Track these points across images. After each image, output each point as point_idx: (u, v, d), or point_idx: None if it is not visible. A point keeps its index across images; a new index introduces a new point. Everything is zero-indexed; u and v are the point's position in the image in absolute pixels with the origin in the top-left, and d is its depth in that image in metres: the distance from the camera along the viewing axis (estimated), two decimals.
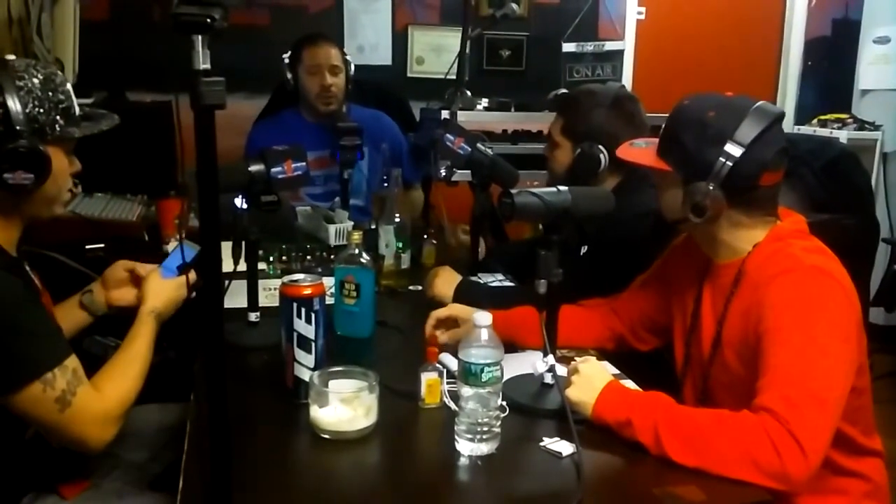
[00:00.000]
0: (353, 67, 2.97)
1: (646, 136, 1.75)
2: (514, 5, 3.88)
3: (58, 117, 1.41)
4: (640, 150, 1.59)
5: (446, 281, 2.04)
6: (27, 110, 1.35)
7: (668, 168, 1.51)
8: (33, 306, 1.37)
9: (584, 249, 2.05)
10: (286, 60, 2.96)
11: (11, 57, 1.42)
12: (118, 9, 4.14)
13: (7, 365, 1.29)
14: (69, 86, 1.45)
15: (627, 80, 4.67)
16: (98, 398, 1.38)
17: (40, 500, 1.52)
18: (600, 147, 2.01)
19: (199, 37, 0.91)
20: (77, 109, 1.47)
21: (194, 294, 1.62)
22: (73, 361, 1.35)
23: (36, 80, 1.38)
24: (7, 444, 1.44)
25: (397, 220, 2.20)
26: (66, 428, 1.34)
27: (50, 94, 1.40)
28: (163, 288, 1.66)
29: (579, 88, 2.22)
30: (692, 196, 1.45)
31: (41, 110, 1.38)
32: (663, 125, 1.54)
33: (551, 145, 2.16)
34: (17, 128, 1.34)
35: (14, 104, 1.34)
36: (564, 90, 2.27)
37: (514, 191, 1.48)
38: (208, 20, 0.91)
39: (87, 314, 1.72)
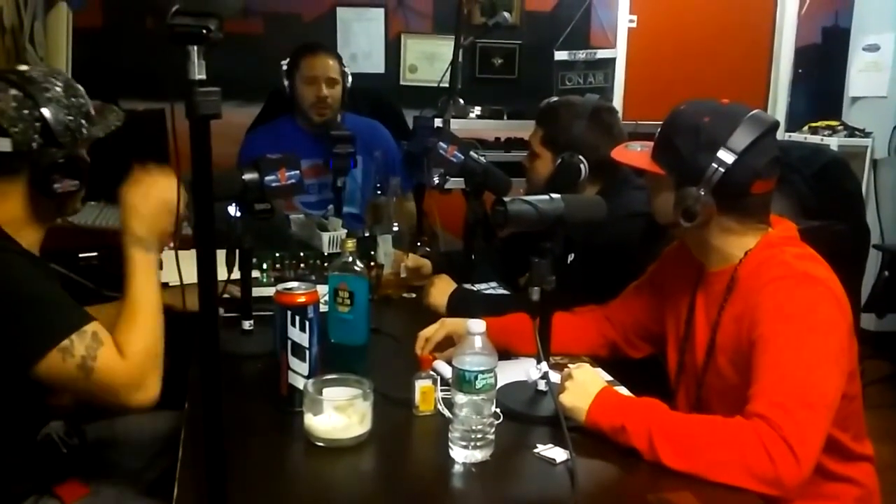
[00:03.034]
0: (350, 79, 2.98)
1: None
2: (506, 14, 3.90)
3: (82, 121, 1.47)
4: (636, 153, 1.60)
5: (441, 290, 2.05)
6: (60, 118, 1.41)
7: (662, 172, 1.52)
8: (45, 279, 1.38)
9: (570, 257, 2.07)
10: (284, 67, 2.96)
11: (24, 67, 1.47)
12: (111, 17, 4.15)
13: (23, 337, 1.29)
14: (81, 87, 1.50)
15: (619, 87, 4.68)
16: (120, 361, 1.34)
17: None
18: (580, 157, 2.04)
19: (195, 47, 0.92)
20: (92, 110, 1.51)
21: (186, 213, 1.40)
22: (93, 326, 1.33)
23: (58, 88, 1.44)
24: (12, 448, 1.44)
25: (395, 228, 2.21)
26: (100, 394, 1.34)
27: (73, 99, 1.46)
28: (143, 201, 1.43)
29: (558, 100, 2.25)
30: (683, 200, 1.46)
31: (70, 117, 1.44)
32: (659, 129, 1.55)
33: (531, 156, 2.19)
34: (58, 139, 1.40)
35: (50, 115, 1.40)
36: (556, 98, 2.29)
37: (507, 199, 1.49)
38: (204, 31, 0.91)
39: None
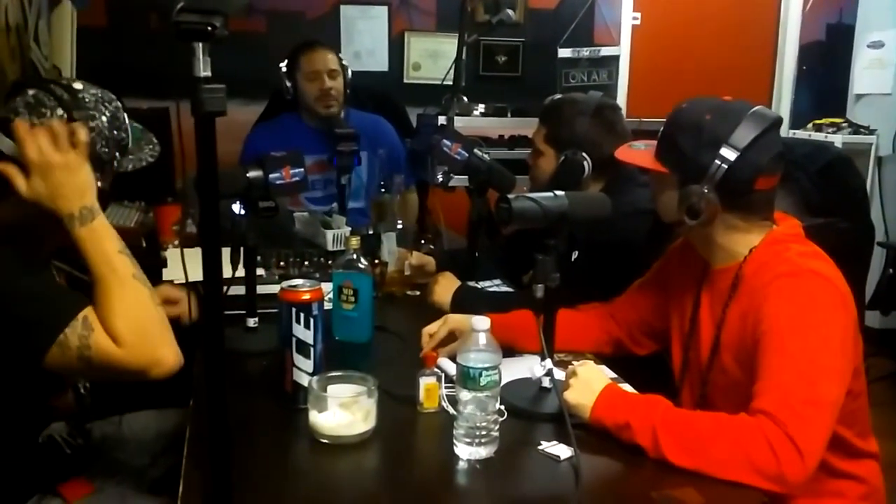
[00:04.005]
0: (350, 72, 2.99)
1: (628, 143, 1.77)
2: (510, 11, 3.90)
3: (117, 154, 1.45)
4: (639, 152, 1.60)
5: (445, 288, 2.05)
6: (95, 151, 1.38)
7: (665, 170, 1.52)
8: (30, 273, 1.35)
9: (575, 254, 2.07)
10: (283, 69, 2.96)
11: (79, 86, 1.43)
12: (115, 16, 4.16)
13: (24, 335, 1.27)
14: (126, 117, 1.48)
15: (623, 85, 4.69)
16: (114, 346, 1.28)
17: (45, 503, 1.52)
18: (584, 154, 2.04)
19: (201, 44, 0.92)
20: (130, 142, 1.49)
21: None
22: (84, 311, 1.28)
23: (104, 119, 1.42)
24: (16, 447, 1.44)
25: (399, 226, 2.21)
26: (117, 377, 1.30)
27: (115, 132, 1.44)
28: (45, 161, 1.32)
29: (562, 97, 2.25)
30: (687, 198, 1.47)
31: (106, 150, 1.42)
32: (662, 128, 1.55)
33: (535, 153, 2.20)
34: None
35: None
36: (559, 95, 2.30)
37: (511, 196, 1.49)
38: (209, 28, 0.91)
39: None
